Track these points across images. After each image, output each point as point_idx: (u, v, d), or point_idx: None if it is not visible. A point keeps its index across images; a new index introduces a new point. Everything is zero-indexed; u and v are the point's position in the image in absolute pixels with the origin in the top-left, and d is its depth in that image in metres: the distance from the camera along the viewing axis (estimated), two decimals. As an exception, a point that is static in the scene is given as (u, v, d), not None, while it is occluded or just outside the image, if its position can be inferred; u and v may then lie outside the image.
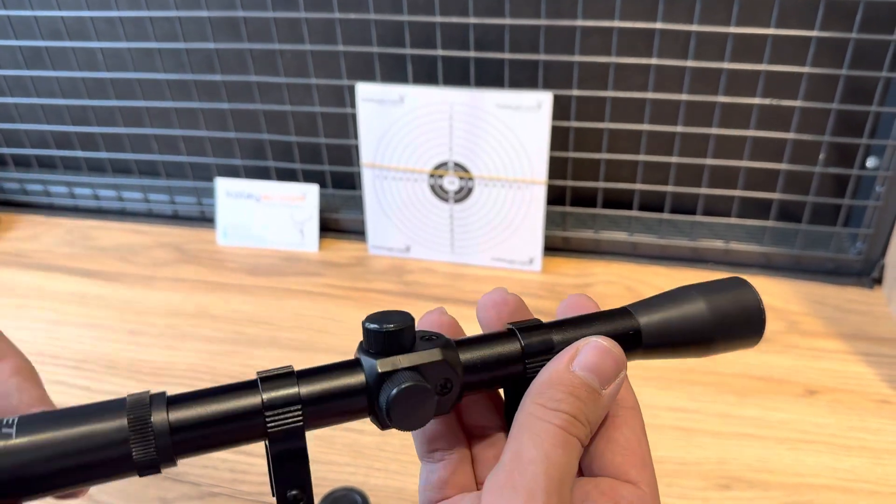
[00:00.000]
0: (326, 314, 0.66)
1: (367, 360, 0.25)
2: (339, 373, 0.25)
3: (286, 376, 0.24)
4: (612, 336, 0.27)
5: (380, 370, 0.24)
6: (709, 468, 0.50)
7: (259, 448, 0.55)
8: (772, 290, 0.67)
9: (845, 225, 0.70)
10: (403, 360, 0.25)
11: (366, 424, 0.53)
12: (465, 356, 0.26)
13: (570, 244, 0.73)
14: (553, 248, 0.73)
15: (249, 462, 0.51)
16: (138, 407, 0.23)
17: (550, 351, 0.26)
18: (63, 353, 0.62)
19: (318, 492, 0.48)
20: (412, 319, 0.25)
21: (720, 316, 0.28)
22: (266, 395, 0.24)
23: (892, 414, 0.54)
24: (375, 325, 0.25)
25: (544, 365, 0.26)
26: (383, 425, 0.25)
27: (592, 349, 0.25)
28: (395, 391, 0.24)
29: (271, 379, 0.24)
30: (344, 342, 0.62)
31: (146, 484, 0.49)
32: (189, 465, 0.51)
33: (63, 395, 0.57)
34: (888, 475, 0.49)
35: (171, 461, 0.24)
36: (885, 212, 0.65)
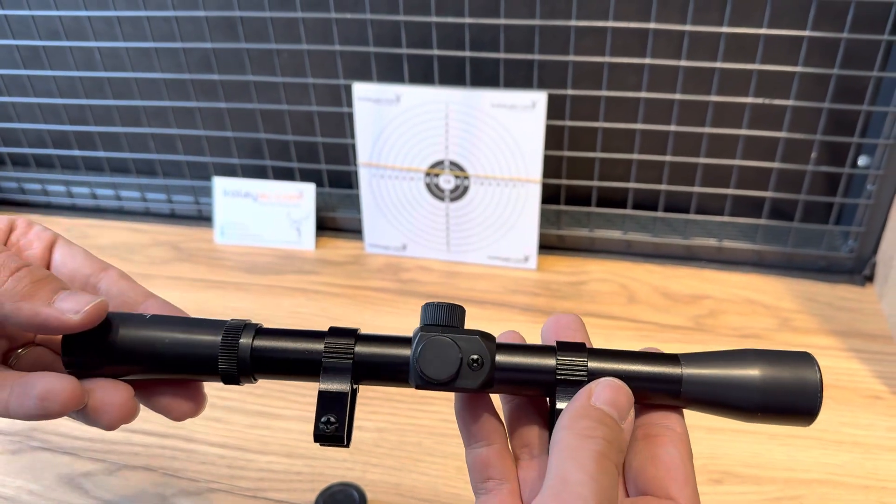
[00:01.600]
0: (323, 312, 0.67)
1: (416, 332, 0.29)
2: (393, 343, 0.30)
3: (348, 334, 0.30)
4: (650, 378, 0.29)
5: (421, 329, 0.29)
6: (702, 463, 0.50)
7: (256, 445, 0.55)
8: (764, 288, 0.68)
9: (837, 223, 0.70)
10: (444, 330, 0.29)
11: (364, 421, 0.54)
12: (501, 352, 0.29)
13: (565, 242, 0.74)
14: (548, 246, 0.74)
15: (247, 458, 0.51)
16: (233, 329, 0.30)
17: (583, 370, 0.28)
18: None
19: (316, 487, 0.49)
20: (464, 310, 0.30)
21: (771, 389, 0.28)
22: (328, 341, 0.29)
23: (882, 410, 0.55)
24: (432, 301, 0.30)
25: (573, 382, 0.28)
26: (417, 379, 0.29)
27: (606, 386, 0.28)
28: (426, 340, 0.28)
29: (336, 332, 0.30)
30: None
31: (145, 480, 0.50)
32: (187, 462, 0.51)
33: (62, 393, 0.57)
34: (878, 470, 0.50)
35: (250, 378, 0.30)
36: (876, 210, 0.66)
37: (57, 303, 0.28)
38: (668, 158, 0.68)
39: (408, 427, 0.54)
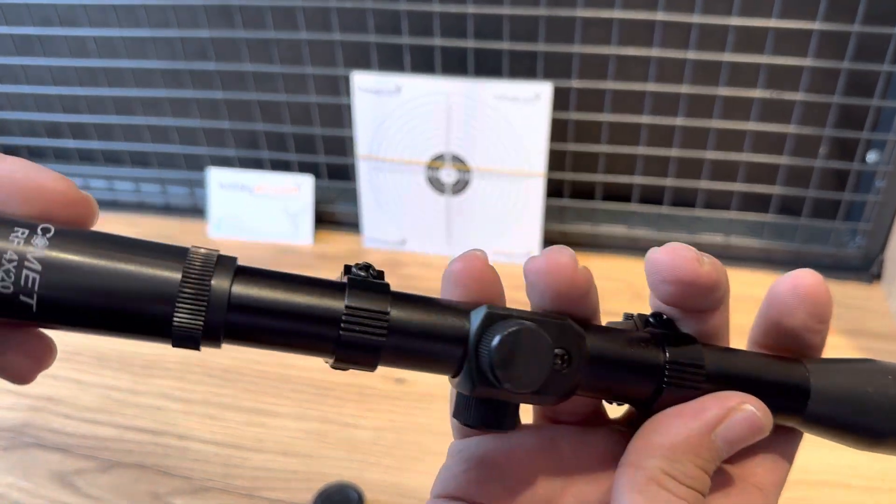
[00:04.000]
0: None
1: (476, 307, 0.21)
2: (442, 308, 0.21)
3: (380, 289, 0.21)
4: (773, 391, 0.22)
5: (488, 309, 0.21)
6: (708, 464, 0.49)
7: (252, 442, 0.54)
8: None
9: (845, 220, 0.69)
10: (520, 311, 0.21)
11: (361, 419, 0.53)
12: (592, 341, 0.21)
13: (569, 238, 0.73)
14: (551, 241, 0.73)
15: (243, 456, 0.50)
16: (201, 264, 0.19)
17: (698, 375, 0.21)
18: (53, 346, 0.61)
19: (312, 486, 0.48)
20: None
21: None
22: (351, 301, 0.20)
23: (891, 410, 0.54)
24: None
25: (682, 389, 0.21)
26: (478, 381, 0.20)
27: (746, 423, 0.20)
28: (506, 331, 0.19)
29: (362, 285, 0.20)
30: (339, 335, 0.61)
31: (138, 478, 0.49)
32: (181, 459, 0.50)
33: (52, 389, 0.56)
34: (886, 471, 0.49)
35: (216, 341, 0.20)
36: (884, 207, 0.65)
37: None
38: (674, 152, 0.67)
39: (406, 425, 0.53)
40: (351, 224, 0.77)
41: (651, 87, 0.64)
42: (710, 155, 0.66)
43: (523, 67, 0.68)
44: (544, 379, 0.20)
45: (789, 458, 0.23)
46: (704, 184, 0.68)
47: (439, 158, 0.68)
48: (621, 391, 0.22)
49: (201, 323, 0.19)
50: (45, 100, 0.79)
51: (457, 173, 0.69)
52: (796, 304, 0.22)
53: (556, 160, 0.69)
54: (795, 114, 0.63)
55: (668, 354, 0.21)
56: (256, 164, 0.78)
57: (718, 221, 0.71)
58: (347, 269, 0.21)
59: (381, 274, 0.22)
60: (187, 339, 0.19)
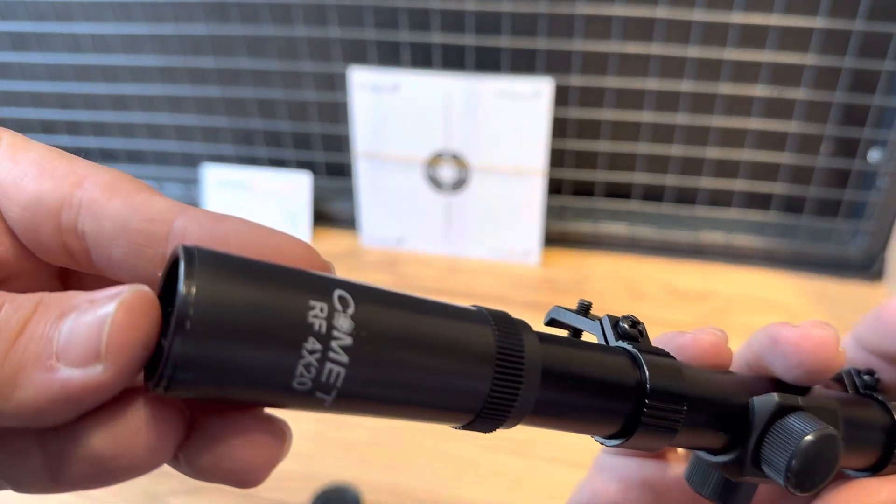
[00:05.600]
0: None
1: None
2: (725, 387, 0.19)
3: (671, 360, 0.19)
4: None
5: (779, 400, 0.19)
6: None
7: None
8: (773, 285, 0.67)
9: (847, 218, 0.69)
10: (801, 400, 0.19)
11: (359, 418, 0.52)
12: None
13: (569, 236, 0.72)
14: (551, 239, 0.72)
15: (239, 457, 0.50)
16: (508, 329, 0.16)
17: None
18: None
19: (310, 486, 0.47)
20: None
21: None
22: (653, 383, 0.18)
23: (895, 410, 0.53)
24: None
25: None
26: (750, 471, 0.19)
27: None
28: (811, 439, 0.18)
29: (653, 355, 0.18)
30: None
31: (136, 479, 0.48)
32: (176, 460, 0.49)
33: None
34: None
35: (517, 420, 0.16)
36: (887, 206, 0.64)
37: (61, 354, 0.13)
38: (675, 150, 0.66)
39: (405, 426, 0.52)
40: (349, 222, 0.76)
41: (652, 83, 0.64)
42: (712, 153, 0.66)
43: (523, 64, 0.67)
44: (828, 482, 0.19)
45: None
46: (706, 182, 0.67)
47: (438, 156, 0.68)
48: (848, 465, 0.21)
49: (515, 399, 0.16)
50: (40, 97, 0.79)
51: (456, 171, 0.68)
52: None
53: (557, 158, 0.69)
54: (797, 111, 0.62)
55: None
56: (253, 161, 0.77)
57: (720, 220, 0.70)
58: (614, 323, 0.19)
59: (643, 327, 0.19)
60: (494, 420, 0.16)
